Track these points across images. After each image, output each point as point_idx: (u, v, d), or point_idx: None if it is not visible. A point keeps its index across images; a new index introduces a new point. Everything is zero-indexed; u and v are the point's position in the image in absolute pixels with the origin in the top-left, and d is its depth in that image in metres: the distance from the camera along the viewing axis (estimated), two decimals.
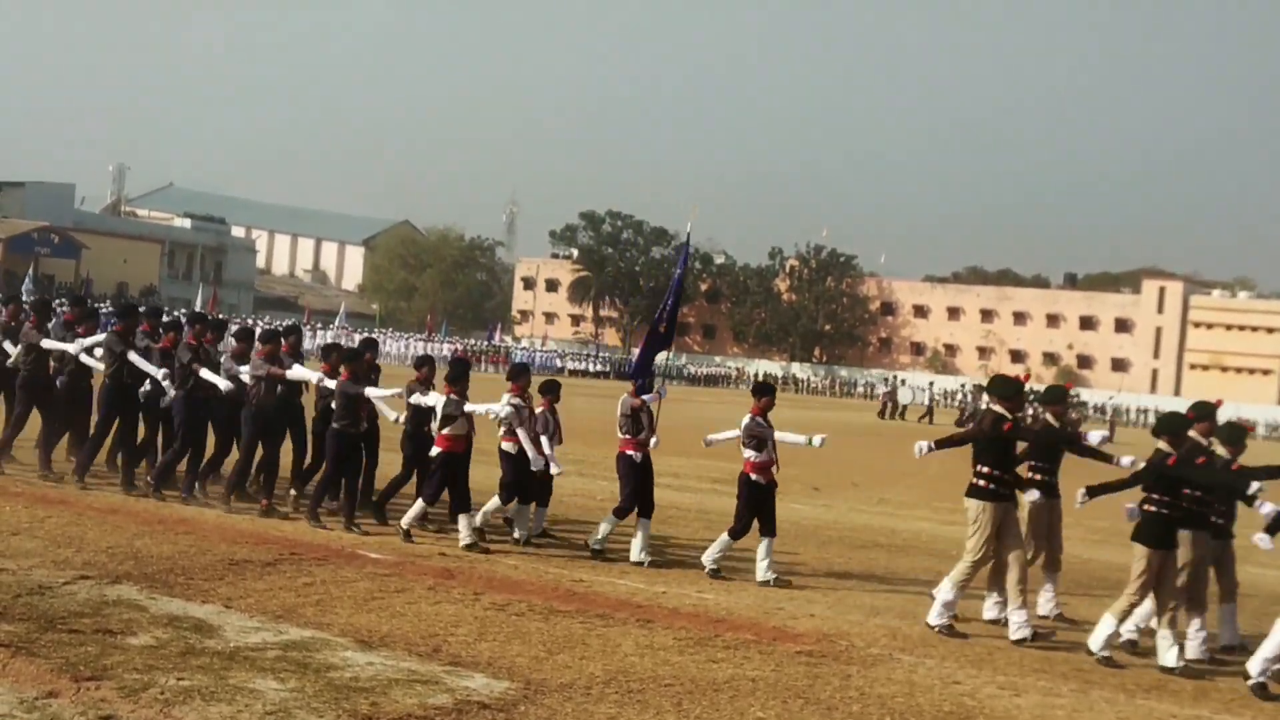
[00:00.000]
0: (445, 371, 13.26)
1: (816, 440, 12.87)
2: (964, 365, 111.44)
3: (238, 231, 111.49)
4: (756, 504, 12.16)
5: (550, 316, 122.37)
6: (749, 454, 12.21)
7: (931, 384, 74.33)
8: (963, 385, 74.03)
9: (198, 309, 68.15)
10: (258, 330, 15.12)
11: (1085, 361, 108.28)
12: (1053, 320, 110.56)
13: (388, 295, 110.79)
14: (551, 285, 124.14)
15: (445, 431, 12.63)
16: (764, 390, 12.46)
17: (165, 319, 15.67)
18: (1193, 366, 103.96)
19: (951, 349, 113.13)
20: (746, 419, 12.27)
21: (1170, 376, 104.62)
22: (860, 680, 8.72)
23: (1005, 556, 10.69)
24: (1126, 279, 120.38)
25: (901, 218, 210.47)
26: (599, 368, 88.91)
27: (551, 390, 13.49)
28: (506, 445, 13.20)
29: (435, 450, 12.69)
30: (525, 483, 13.13)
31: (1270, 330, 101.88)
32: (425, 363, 13.74)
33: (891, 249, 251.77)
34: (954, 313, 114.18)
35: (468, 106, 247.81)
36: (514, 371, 13.75)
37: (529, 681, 7.89)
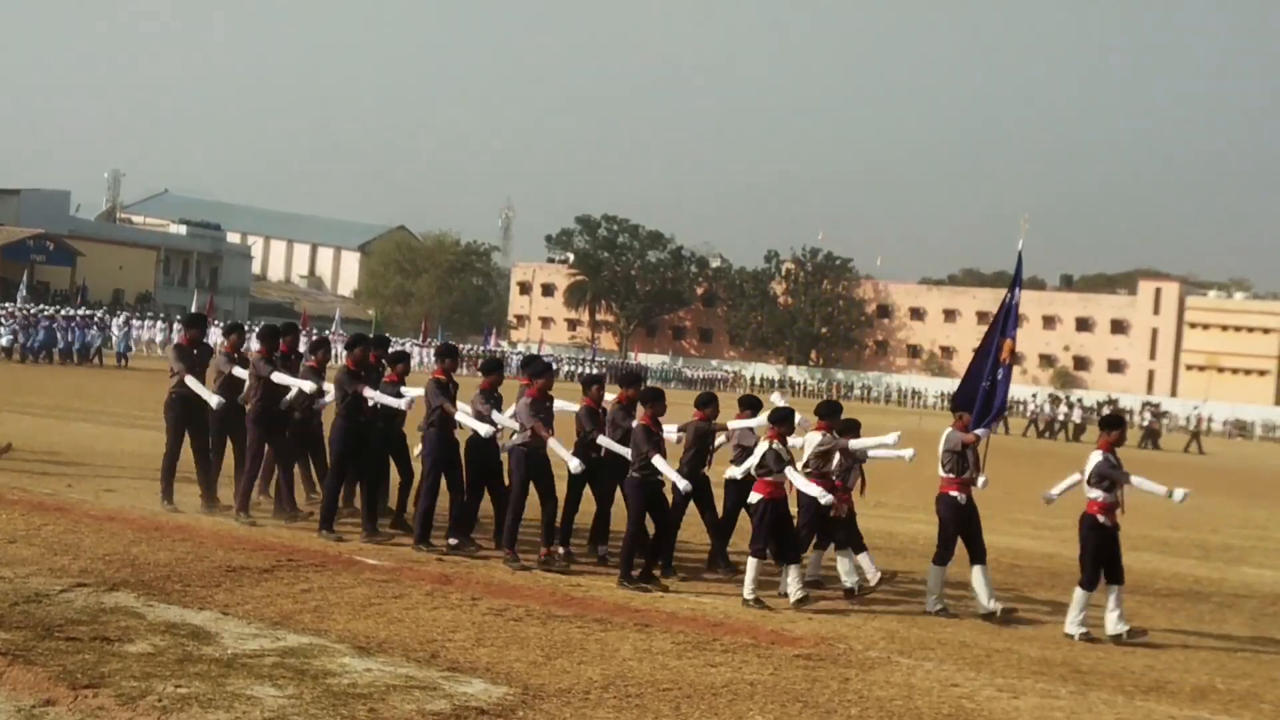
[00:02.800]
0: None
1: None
2: (960, 368, 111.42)
3: (233, 238, 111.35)
4: (1102, 548, 11.14)
5: (546, 321, 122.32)
6: (1095, 494, 11.18)
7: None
8: (1034, 395, 72.13)
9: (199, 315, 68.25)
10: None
11: (1082, 363, 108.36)
12: (1049, 322, 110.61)
13: (383, 300, 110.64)
14: (547, 290, 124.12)
15: (768, 478, 11.47)
16: (1114, 424, 11.46)
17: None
18: (1189, 367, 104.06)
19: (948, 351, 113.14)
20: (1098, 457, 11.24)
21: (1167, 377, 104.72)
22: (859, 683, 8.71)
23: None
24: (1122, 280, 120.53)
25: (897, 220, 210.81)
26: (595, 372, 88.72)
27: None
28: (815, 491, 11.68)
29: (756, 497, 11.51)
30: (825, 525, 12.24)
31: (1266, 331, 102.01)
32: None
33: (887, 251, 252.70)
34: (950, 315, 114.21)
35: (463, 111, 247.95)
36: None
37: (527, 686, 7.88)
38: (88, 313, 54.67)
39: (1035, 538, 16.81)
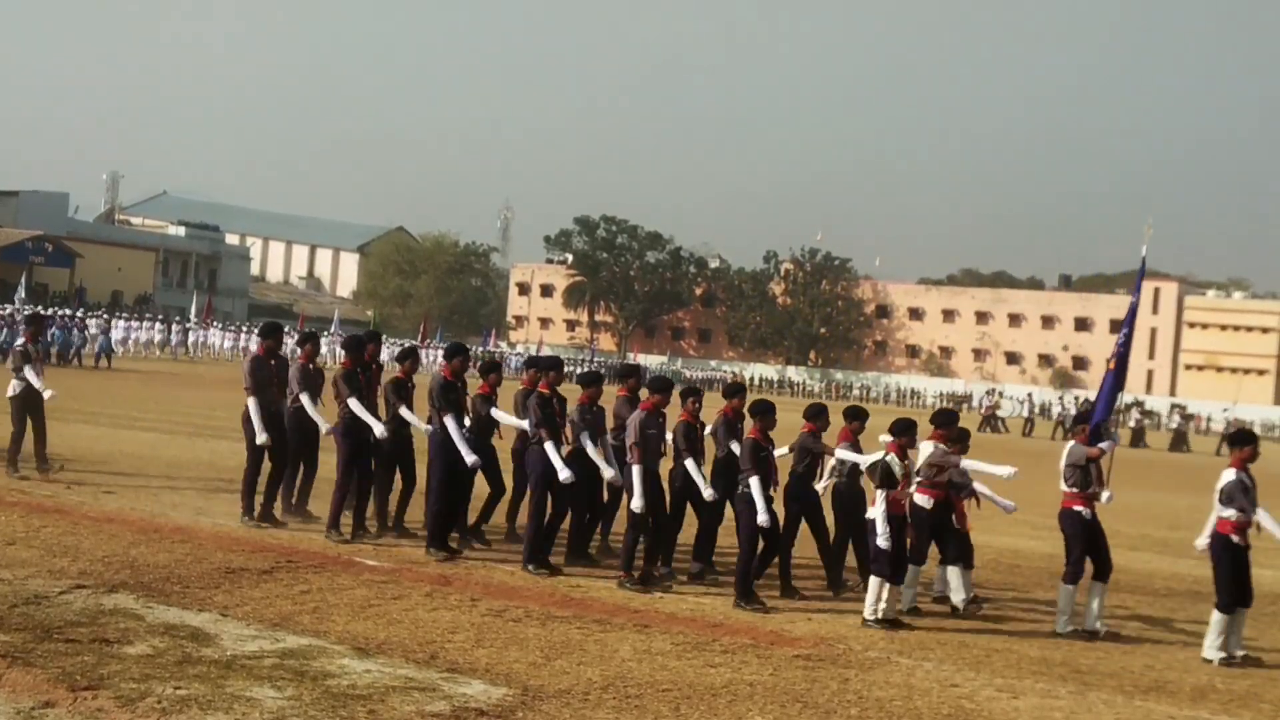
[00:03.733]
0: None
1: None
2: (959, 368, 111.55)
3: (232, 239, 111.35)
4: (1238, 568, 10.71)
5: (545, 322, 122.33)
6: (1227, 513, 10.67)
7: (1030, 395, 73.30)
8: (1060, 397, 71.67)
9: (192, 315, 68.30)
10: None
11: (1080, 363, 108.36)
12: (1048, 322, 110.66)
13: (382, 302, 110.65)
14: (546, 290, 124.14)
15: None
16: (1245, 440, 10.94)
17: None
18: (1188, 367, 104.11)
19: (947, 351, 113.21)
20: (1230, 475, 10.71)
21: (1166, 377, 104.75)
22: (858, 684, 8.71)
23: None
24: (1121, 280, 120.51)
25: (896, 221, 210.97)
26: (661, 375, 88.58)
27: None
28: (921, 498, 11.58)
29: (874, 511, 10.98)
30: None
31: (1265, 330, 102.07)
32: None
33: (886, 252, 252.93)
34: (949, 315, 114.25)
35: (461, 113, 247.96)
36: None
37: (526, 687, 7.88)
38: (65, 313, 54.51)
39: (1035, 538, 16.81)
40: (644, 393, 12.65)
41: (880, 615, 10.72)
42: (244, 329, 70.54)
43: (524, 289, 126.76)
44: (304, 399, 13.17)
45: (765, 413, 11.47)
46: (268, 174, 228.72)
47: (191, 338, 66.58)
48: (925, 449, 11.65)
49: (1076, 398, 69.61)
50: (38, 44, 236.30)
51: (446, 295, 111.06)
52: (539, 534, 11.93)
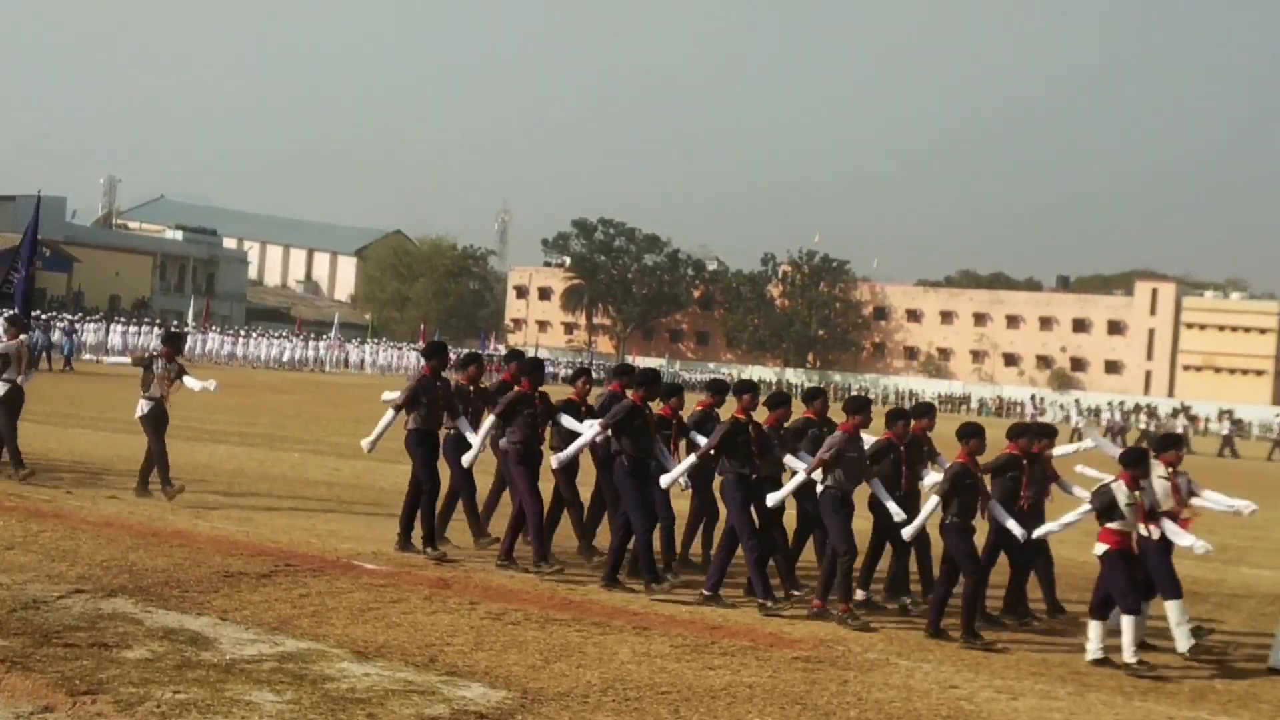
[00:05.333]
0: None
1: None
2: (958, 369, 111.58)
3: (229, 243, 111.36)
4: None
5: (543, 325, 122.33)
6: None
7: (1077, 401, 72.58)
8: (1110, 402, 70.16)
9: (189, 320, 68.23)
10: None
11: (1079, 364, 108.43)
12: (1046, 323, 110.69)
13: (380, 305, 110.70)
14: (544, 293, 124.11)
15: (1115, 525, 10.24)
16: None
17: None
18: (1186, 368, 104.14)
19: (945, 353, 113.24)
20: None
21: (1164, 378, 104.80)
22: (857, 685, 8.71)
23: None
24: (1119, 281, 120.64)
25: (894, 222, 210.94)
26: (593, 375, 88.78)
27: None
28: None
29: (1102, 548, 10.28)
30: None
31: (1263, 331, 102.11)
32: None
33: (884, 254, 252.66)
34: (947, 317, 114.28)
35: (459, 116, 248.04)
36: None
37: (526, 690, 7.88)
38: (34, 314, 54.35)
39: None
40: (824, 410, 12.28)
41: (1102, 656, 10.04)
42: (242, 332, 70.55)
43: (522, 292, 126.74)
44: (462, 423, 12.61)
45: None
46: (265, 178, 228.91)
47: (189, 342, 66.54)
48: (1160, 483, 10.84)
49: (1077, 401, 69.49)
50: (35, 47, 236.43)
51: (444, 298, 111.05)
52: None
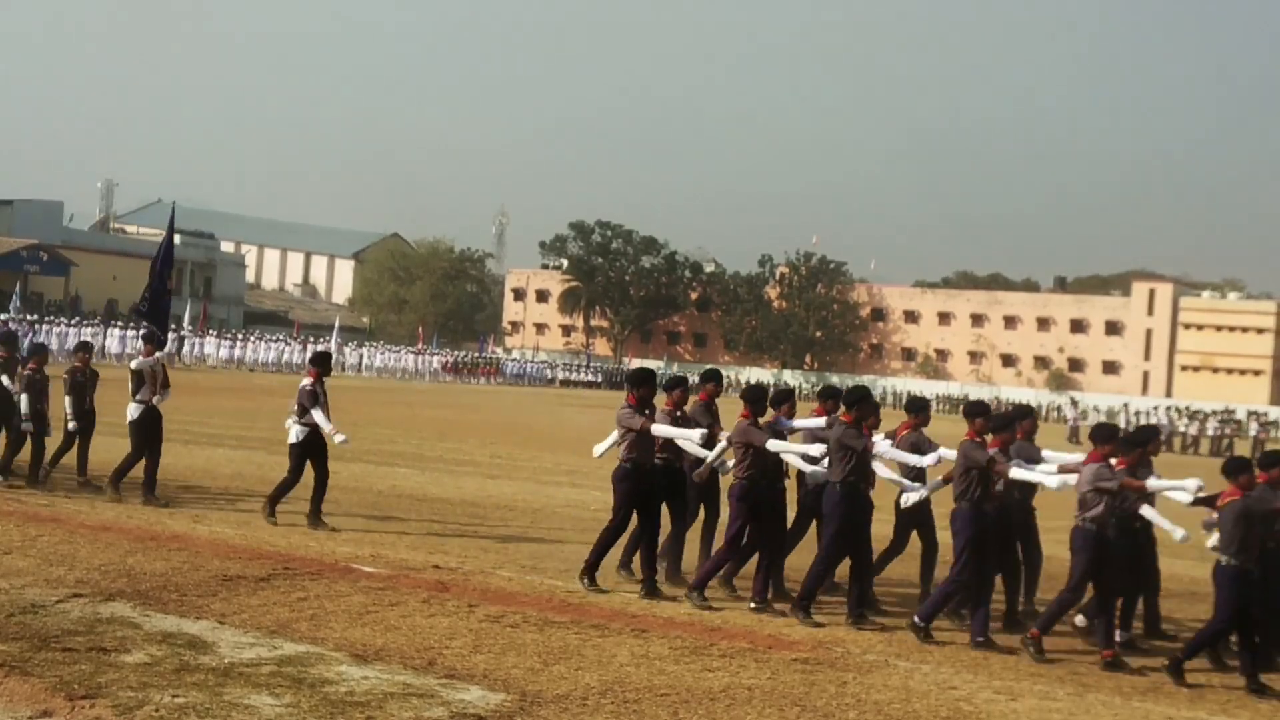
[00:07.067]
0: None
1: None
2: (955, 370, 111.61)
3: (227, 246, 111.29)
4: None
5: (541, 327, 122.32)
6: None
7: (1127, 405, 72.28)
8: (1156, 407, 69.26)
9: (186, 323, 68.17)
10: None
11: (1076, 365, 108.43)
12: (1043, 324, 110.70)
13: (378, 308, 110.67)
14: (542, 296, 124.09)
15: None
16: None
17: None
18: (1184, 368, 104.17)
19: (943, 354, 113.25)
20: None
21: (1161, 378, 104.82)
22: (856, 687, 8.72)
23: None
24: (1116, 281, 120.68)
25: (891, 224, 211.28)
26: (590, 377, 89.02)
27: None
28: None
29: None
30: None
31: (1260, 331, 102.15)
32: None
33: (881, 255, 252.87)
34: (945, 318, 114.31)
35: (456, 118, 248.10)
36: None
37: (525, 693, 7.88)
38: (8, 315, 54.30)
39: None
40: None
41: None
42: (240, 336, 70.51)
43: (519, 294, 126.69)
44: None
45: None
46: (263, 181, 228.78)
47: (186, 346, 66.53)
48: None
49: (1075, 401, 69.39)
50: (33, 51, 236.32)
51: (442, 301, 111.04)
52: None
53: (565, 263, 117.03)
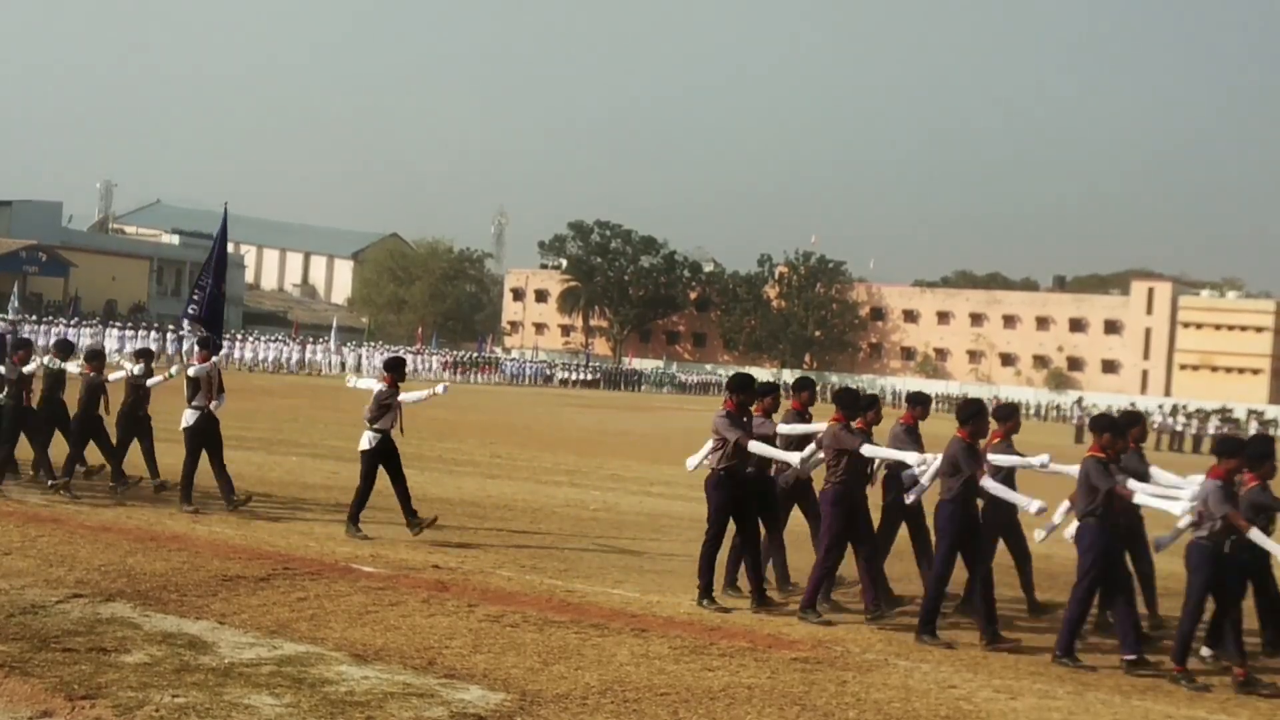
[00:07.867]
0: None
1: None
2: (954, 369, 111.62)
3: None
4: None
5: (540, 327, 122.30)
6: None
7: (1133, 404, 72.05)
8: (1160, 406, 69.29)
9: (184, 325, 67.98)
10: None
11: (1075, 364, 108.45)
12: (1042, 323, 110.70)
13: (377, 308, 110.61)
14: (541, 296, 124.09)
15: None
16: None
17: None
18: (1183, 367, 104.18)
19: (942, 353, 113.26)
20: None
21: (1160, 377, 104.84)
22: (856, 686, 8.72)
23: None
24: (1115, 281, 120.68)
25: (890, 223, 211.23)
26: (589, 377, 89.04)
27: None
28: None
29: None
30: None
31: (1259, 329, 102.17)
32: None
33: (880, 254, 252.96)
34: (944, 317, 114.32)
35: (455, 118, 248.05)
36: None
37: (525, 693, 7.88)
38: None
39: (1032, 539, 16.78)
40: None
41: None
42: (239, 337, 70.47)
43: (519, 294, 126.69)
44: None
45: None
46: (262, 181, 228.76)
47: (185, 346, 66.45)
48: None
49: (1080, 401, 69.24)
50: (31, 52, 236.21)
51: (441, 301, 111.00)
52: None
53: (564, 263, 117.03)
